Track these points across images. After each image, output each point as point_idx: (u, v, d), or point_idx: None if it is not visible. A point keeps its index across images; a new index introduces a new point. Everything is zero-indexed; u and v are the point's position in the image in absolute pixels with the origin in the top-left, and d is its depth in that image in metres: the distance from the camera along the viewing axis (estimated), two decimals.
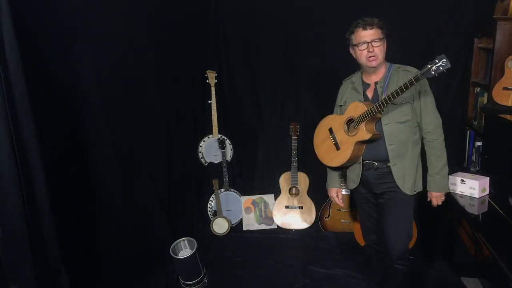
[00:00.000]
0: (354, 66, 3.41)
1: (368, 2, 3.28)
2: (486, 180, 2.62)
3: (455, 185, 2.68)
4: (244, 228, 3.72)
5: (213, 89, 3.54)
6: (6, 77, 1.74)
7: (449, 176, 2.72)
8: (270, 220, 3.73)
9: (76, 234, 2.41)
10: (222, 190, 3.73)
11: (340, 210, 3.53)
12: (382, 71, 2.26)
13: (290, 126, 3.57)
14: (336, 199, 2.54)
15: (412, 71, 2.14)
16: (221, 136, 3.67)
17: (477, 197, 2.57)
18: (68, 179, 2.36)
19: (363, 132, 2.18)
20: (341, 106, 2.41)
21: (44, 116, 2.03)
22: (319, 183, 3.65)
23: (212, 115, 3.59)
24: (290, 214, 3.67)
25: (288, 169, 3.64)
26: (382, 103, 2.08)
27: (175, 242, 2.66)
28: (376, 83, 2.26)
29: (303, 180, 3.66)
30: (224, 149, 3.64)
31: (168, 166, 3.43)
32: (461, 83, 3.27)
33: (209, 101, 3.57)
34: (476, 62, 3.19)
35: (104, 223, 2.69)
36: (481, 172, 2.88)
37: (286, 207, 3.68)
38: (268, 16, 3.50)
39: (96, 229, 2.63)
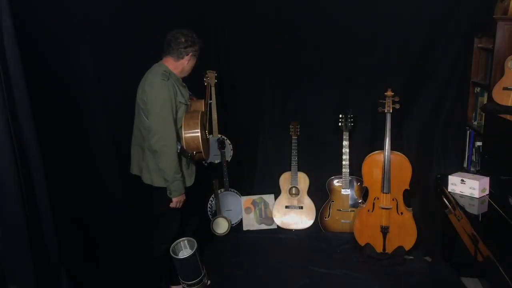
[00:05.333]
0: (354, 66, 3.46)
1: (368, 2, 3.29)
2: (486, 180, 2.62)
3: (455, 185, 2.68)
4: (244, 228, 3.72)
5: (213, 89, 3.53)
6: (6, 77, 1.74)
7: (449, 176, 2.73)
8: (270, 220, 3.73)
9: (76, 234, 2.41)
10: (222, 190, 3.72)
11: (340, 210, 3.53)
12: None
13: (290, 126, 3.57)
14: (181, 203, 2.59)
15: None
16: (221, 136, 3.67)
17: (477, 197, 2.57)
18: (68, 179, 2.37)
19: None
20: (186, 104, 2.56)
21: (44, 116, 2.03)
22: (319, 183, 3.66)
23: (212, 115, 3.58)
24: (290, 214, 3.67)
25: (288, 169, 3.64)
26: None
27: (175, 242, 2.65)
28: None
29: (303, 180, 3.66)
30: (224, 149, 3.64)
31: None
32: (461, 83, 3.27)
33: (209, 101, 3.57)
34: (476, 62, 3.20)
35: (104, 223, 2.69)
36: (481, 172, 2.89)
37: (286, 207, 3.68)
38: (268, 16, 3.50)
39: (96, 229, 2.63)
